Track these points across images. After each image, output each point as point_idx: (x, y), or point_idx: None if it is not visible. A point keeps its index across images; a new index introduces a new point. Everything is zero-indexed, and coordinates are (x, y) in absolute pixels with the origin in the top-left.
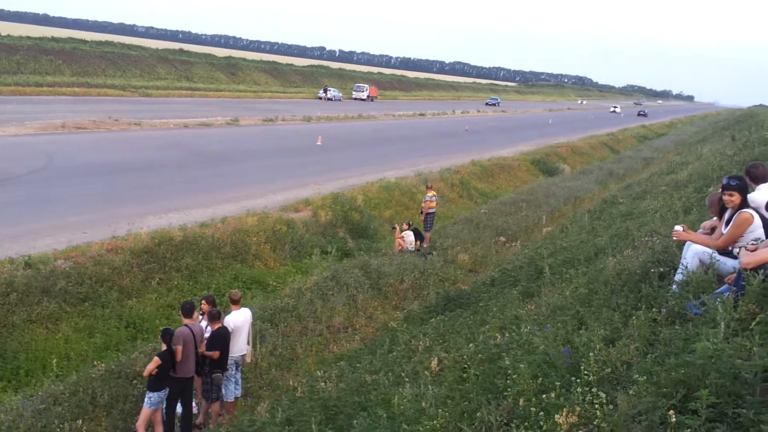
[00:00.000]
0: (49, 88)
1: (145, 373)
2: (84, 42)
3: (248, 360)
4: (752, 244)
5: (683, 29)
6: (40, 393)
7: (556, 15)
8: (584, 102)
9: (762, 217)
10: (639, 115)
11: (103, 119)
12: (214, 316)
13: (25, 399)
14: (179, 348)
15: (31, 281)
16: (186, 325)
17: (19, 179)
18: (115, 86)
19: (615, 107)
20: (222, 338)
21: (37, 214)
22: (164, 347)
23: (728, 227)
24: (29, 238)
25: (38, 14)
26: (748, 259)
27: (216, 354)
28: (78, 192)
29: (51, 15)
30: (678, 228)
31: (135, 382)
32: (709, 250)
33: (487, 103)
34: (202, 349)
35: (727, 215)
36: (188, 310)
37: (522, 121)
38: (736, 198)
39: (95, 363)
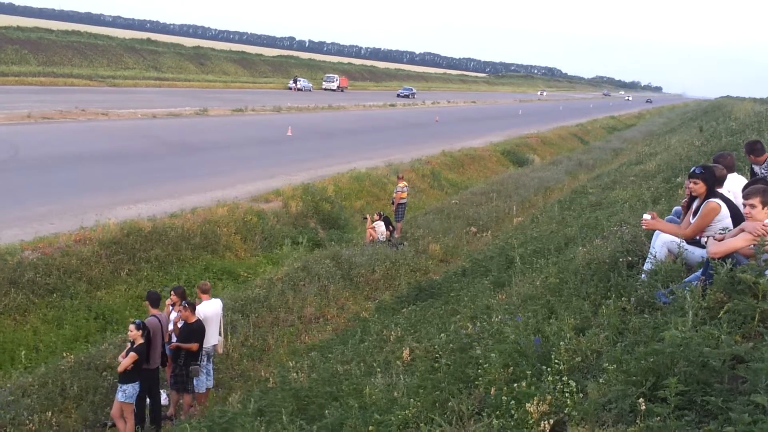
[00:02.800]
0: (15, 78)
1: (121, 369)
2: (50, 31)
3: (220, 351)
4: (720, 233)
5: (651, 21)
6: (8, 385)
7: (526, 6)
8: (544, 93)
9: (731, 206)
10: (647, 102)
11: (70, 109)
12: (193, 308)
13: None
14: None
15: None
16: (154, 315)
17: None
18: (82, 76)
19: (628, 97)
20: (200, 331)
21: (2, 204)
22: (140, 341)
23: (696, 216)
24: None
25: (3, 3)
26: (715, 248)
27: (195, 346)
28: (45, 182)
29: (16, 4)
30: (647, 216)
31: (105, 373)
32: (678, 240)
33: (399, 95)
34: (166, 339)
35: (695, 205)
36: (155, 300)
37: (492, 112)
38: (701, 187)
39: (64, 354)
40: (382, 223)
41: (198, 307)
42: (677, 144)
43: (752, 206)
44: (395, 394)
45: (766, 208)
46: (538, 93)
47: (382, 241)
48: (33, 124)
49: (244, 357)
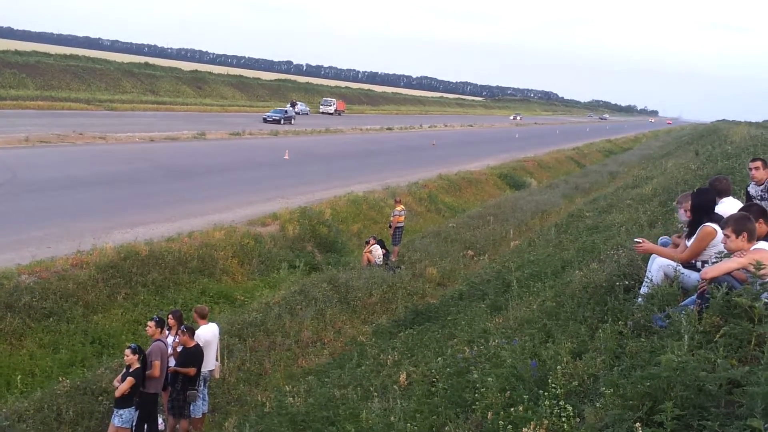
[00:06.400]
0: (13, 102)
1: (118, 394)
2: (48, 55)
3: (217, 375)
4: (716, 258)
5: (648, 45)
6: (4, 410)
7: (523, 31)
8: (519, 118)
9: None
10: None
11: (67, 133)
12: (192, 332)
13: None
14: (157, 363)
15: None
16: (160, 340)
17: None
18: (80, 100)
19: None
20: (199, 355)
21: None
22: (137, 365)
23: (692, 240)
24: None
25: (2, 27)
26: (708, 270)
27: (192, 371)
28: (42, 206)
29: (15, 28)
30: (638, 240)
31: (101, 398)
32: (674, 264)
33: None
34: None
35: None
36: (161, 323)
37: (489, 136)
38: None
39: (60, 379)
40: (378, 247)
41: (197, 332)
42: (673, 168)
43: (726, 236)
44: (392, 418)
45: (740, 237)
46: (511, 117)
47: (379, 265)
48: (30, 148)
49: (240, 381)
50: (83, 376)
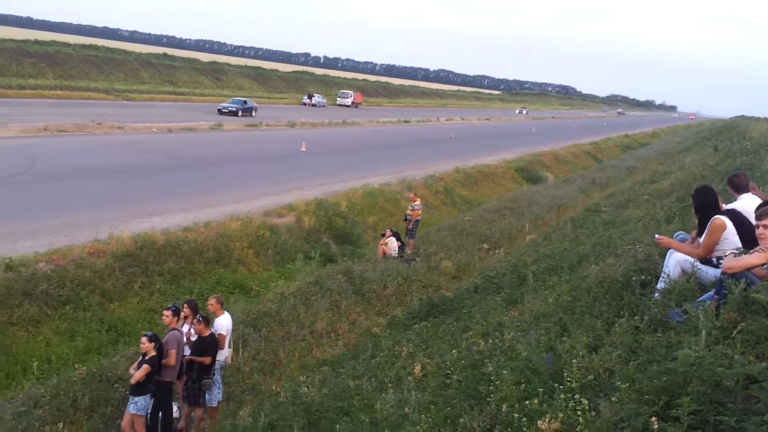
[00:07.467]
0: (32, 91)
1: (133, 381)
2: (67, 45)
3: (229, 362)
4: (731, 252)
5: (667, 41)
6: (20, 396)
7: (540, 24)
8: (525, 111)
9: (742, 224)
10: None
11: (86, 122)
12: (207, 321)
13: (6, 401)
14: (173, 352)
15: (12, 284)
16: (176, 329)
17: (0, 182)
18: (99, 89)
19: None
20: (214, 344)
21: (17, 216)
22: (153, 353)
23: (703, 236)
24: (10, 240)
25: (21, 17)
26: (731, 263)
27: (208, 360)
28: (60, 195)
29: (34, 18)
30: (658, 236)
31: (116, 385)
32: (691, 259)
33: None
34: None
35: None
36: (178, 312)
37: (506, 130)
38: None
39: (76, 366)
40: (394, 239)
41: (218, 321)
42: (691, 163)
43: (765, 227)
44: (406, 409)
45: None
46: (516, 111)
47: (395, 257)
48: (49, 137)
49: (255, 371)
50: (99, 363)
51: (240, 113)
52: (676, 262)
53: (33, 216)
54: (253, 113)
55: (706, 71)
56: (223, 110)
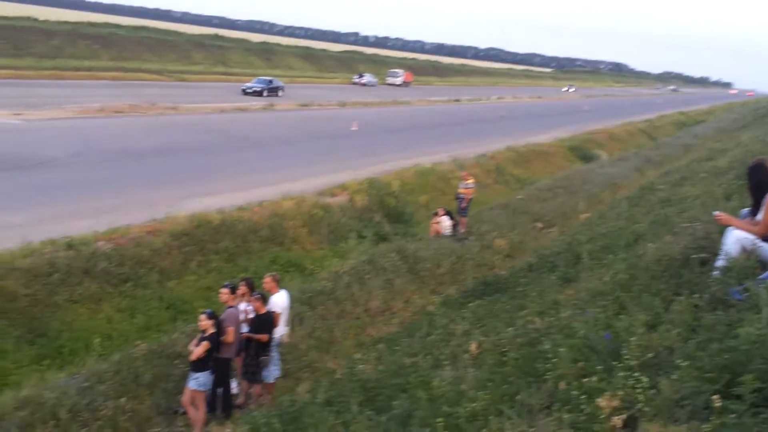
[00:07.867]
0: (87, 72)
1: (194, 357)
2: (120, 27)
3: (286, 339)
4: None
5: (722, 16)
6: (83, 371)
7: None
8: (572, 89)
9: None
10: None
11: (140, 103)
12: (264, 299)
13: (70, 377)
14: (231, 329)
15: (73, 262)
16: (233, 306)
17: (58, 162)
18: (152, 71)
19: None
20: (271, 321)
21: (76, 196)
22: (212, 330)
23: (762, 214)
24: (69, 220)
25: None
26: None
27: (265, 337)
28: (116, 175)
29: (87, 0)
30: (717, 213)
31: (176, 362)
32: (751, 236)
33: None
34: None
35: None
36: (234, 290)
37: (558, 108)
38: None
39: (137, 343)
40: (446, 218)
41: (273, 298)
42: (749, 141)
43: None
44: (463, 386)
45: None
46: (563, 89)
47: (448, 236)
48: (105, 118)
49: (311, 348)
50: (159, 340)
51: (265, 93)
52: (735, 239)
53: (91, 196)
54: (279, 93)
55: (764, 47)
56: (248, 90)
